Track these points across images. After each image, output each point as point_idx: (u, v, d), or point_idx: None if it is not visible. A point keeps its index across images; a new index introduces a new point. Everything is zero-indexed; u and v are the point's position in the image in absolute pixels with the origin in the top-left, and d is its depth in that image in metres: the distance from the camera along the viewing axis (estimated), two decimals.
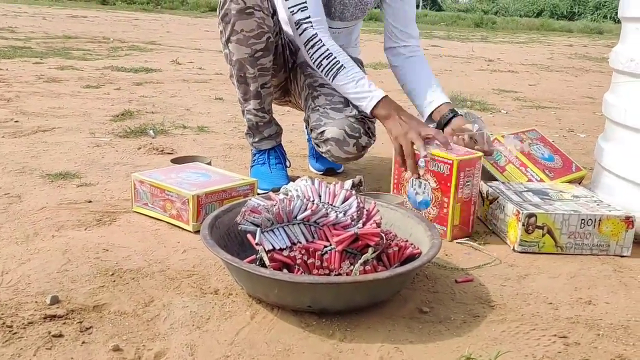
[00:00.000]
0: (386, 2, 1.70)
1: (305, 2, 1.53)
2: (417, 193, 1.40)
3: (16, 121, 2.38)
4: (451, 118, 1.55)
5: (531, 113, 3.29)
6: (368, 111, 1.50)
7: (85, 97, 3.05)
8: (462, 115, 1.55)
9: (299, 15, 1.53)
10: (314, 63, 1.55)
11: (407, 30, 1.71)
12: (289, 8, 1.54)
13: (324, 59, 1.53)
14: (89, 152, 1.98)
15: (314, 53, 1.54)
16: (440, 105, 1.59)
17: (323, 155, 1.61)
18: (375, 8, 1.79)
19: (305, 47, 1.55)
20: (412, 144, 1.39)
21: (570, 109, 3.50)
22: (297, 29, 1.54)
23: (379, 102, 1.48)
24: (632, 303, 1.12)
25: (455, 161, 1.30)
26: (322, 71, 1.55)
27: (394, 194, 1.46)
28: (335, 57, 1.52)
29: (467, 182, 1.33)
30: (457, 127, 1.52)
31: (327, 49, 1.53)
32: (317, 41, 1.53)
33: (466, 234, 1.38)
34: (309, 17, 1.53)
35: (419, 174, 1.39)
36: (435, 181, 1.35)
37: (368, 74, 1.88)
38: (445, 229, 1.36)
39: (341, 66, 1.52)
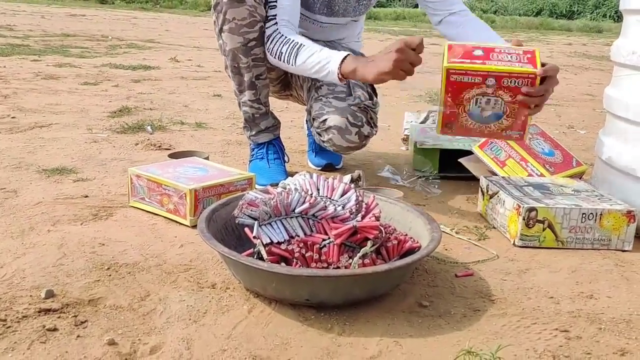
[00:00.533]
0: None
1: (276, 1, 1.52)
2: (482, 109, 1.33)
3: (13, 117, 2.36)
4: None
5: None
6: (335, 76, 1.40)
7: (82, 93, 3.03)
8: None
9: (268, 12, 1.54)
10: (274, 56, 1.52)
11: None
12: (268, 6, 1.54)
13: (283, 45, 1.49)
14: (86, 148, 1.97)
15: (273, 46, 1.52)
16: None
17: (324, 144, 1.59)
18: None
19: (266, 43, 1.54)
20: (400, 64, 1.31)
21: (570, 106, 3.49)
22: (265, 24, 1.54)
23: (341, 62, 1.39)
24: (633, 297, 1.11)
25: (538, 77, 1.27)
26: (283, 60, 1.50)
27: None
28: (294, 40, 1.48)
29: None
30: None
31: (286, 37, 1.50)
32: (277, 34, 1.52)
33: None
34: (275, 15, 1.53)
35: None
36: (510, 95, 1.29)
37: None
38: (521, 133, 1.34)
39: (300, 45, 1.47)
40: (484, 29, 1.60)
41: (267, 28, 1.54)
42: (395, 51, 1.29)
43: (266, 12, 1.54)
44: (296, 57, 1.46)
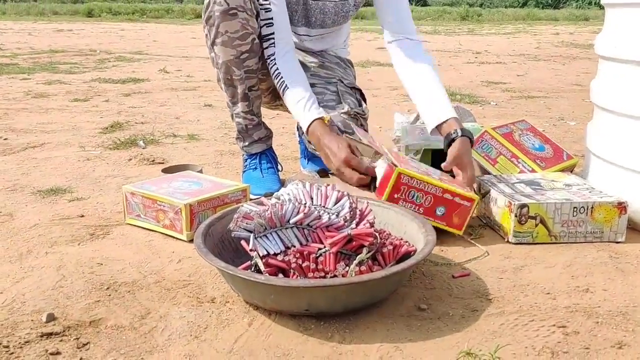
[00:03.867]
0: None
1: (272, 19, 1.57)
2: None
3: (5, 139, 2.36)
4: (453, 140, 1.44)
5: (520, 103, 3.30)
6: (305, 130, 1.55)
7: (73, 110, 3.03)
8: (466, 137, 1.44)
9: (264, 30, 1.58)
10: (272, 77, 1.61)
11: (402, 23, 1.62)
12: (260, 20, 1.58)
13: (275, 77, 1.59)
14: (80, 166, 1.97)
15: (270, 68, 1.61)
16: (447, 120, 1.47)
17: (317, 152, 1.61)
18: (363, 6, 1.78)
19: (266, 61, 1.61)
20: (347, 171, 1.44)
21: (560, 98, 3.51)
22: (263, 43, 1.60)
23: (307, 127, 1.53)
24: (629, 289, 1.13)
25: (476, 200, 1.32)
26: (276, 86, 1.61)
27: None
28: (282, 78, 1.58)
29: None
30: (452, 159, 1.42)
31: (277, 69, 1.58)
32: (272, 60, 1.59)
33: None
34: (272, 33, 1.58)
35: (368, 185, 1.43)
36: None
37: (357, 72, 1.89)
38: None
39: (286, 87, 1.57)
40: (429, 72, 1.57)
41: (265, 48, 1.59)
42: (336, 170, 1.46)
43: (259, 27, 1.56)
44: (283, 94, 1.59)
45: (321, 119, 1.52)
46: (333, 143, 1.46)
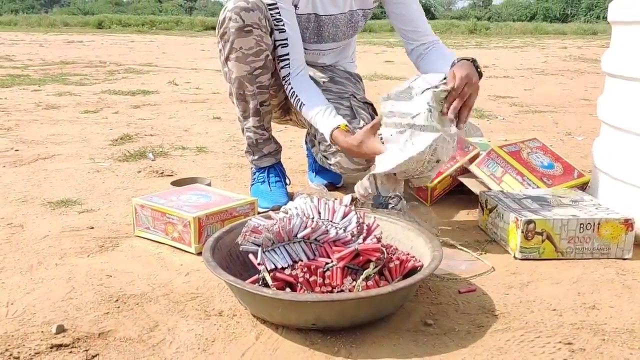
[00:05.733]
0: (393, 11, 1.68)
1: (287, 40, 1.60)
2: None
3: (16, 150, 2.39)
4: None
5: (528, 118, 3.30)
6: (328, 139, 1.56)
7: (83, 122, 3.06)
8: (470, 60, 1.40)
9: (280, 51, 1.61)
10: (288, 96, 1.64)
11: (418, 29, 1.67)
12: (275, 40, 1.60)
13: (291, 97, 1.62)
14: (90, 178, 1.99)
15: (286, 89, 1.64)
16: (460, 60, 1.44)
17: (331, 167, 1.63)
18: (378, 15, 1.80)
19: (282, 80, 1.64)
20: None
21: (567, 112, 3.51)
22: (278, 63, 1.62)
23: (330, 135, 1.53)
24: (636, 306, 1.13)
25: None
26: (293, 105, 1.64)
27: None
28: (297, 96, 1.60)
29: None
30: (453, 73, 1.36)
31: (292, 89, 1.61)
32: (287, 81, 1.62)
33: None
34: (287, 54, 1.61)
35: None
36: None
37: (365, 86, 1.91)
38: None
39: (302, 104, 1.59)
40: (439, 59, 1.62)
41: (281, 68, 1.62)
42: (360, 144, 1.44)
43: (274, 46, 1.60)
44: (300, 110, 1.61)
45: (339, 127, 1.52)
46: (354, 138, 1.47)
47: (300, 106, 1.60)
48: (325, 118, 1.55)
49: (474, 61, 1.39)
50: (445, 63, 1.47)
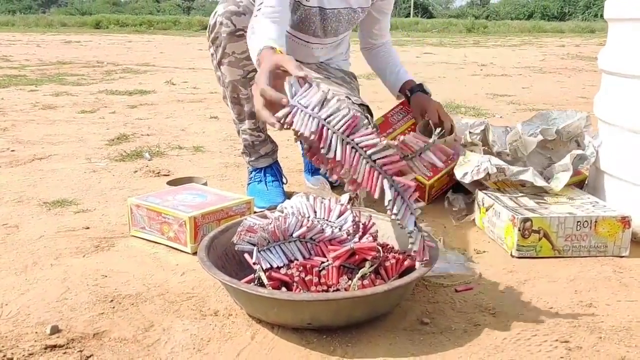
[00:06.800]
0: (373, 14, 1.75)
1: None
2: None
3: (12, 150, 2.38)
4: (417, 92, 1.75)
5: (526, 116, 3.30)
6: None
7: (80, 122, 3.06)
8: (426, 92, 1.76)
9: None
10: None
11: (382, 32, 1.84)
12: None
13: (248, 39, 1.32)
14: (86, 178, 1.99)
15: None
16: (406, 81, 1.79)
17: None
18: None
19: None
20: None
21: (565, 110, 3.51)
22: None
23: (257, 58, 1.21)
24: (633, 304, 1.12)
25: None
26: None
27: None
28: (252, 26, 1.31)
29: None
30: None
31: (252, 24, 1.33)
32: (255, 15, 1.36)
33: None
34: (262, 2, 1.36)
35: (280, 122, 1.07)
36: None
37: (362, 85, 1.92)
38: None
39: (253, 32, 1.29)
40: (392, 56, 1.87)
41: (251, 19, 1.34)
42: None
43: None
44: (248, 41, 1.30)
45: (272, 48, 1.19)
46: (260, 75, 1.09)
47: (250, 35, 1.30)
48: (263, 41, 1.22)
49: (423, 89, 1.76)
50: (392, 63, 1.84)
